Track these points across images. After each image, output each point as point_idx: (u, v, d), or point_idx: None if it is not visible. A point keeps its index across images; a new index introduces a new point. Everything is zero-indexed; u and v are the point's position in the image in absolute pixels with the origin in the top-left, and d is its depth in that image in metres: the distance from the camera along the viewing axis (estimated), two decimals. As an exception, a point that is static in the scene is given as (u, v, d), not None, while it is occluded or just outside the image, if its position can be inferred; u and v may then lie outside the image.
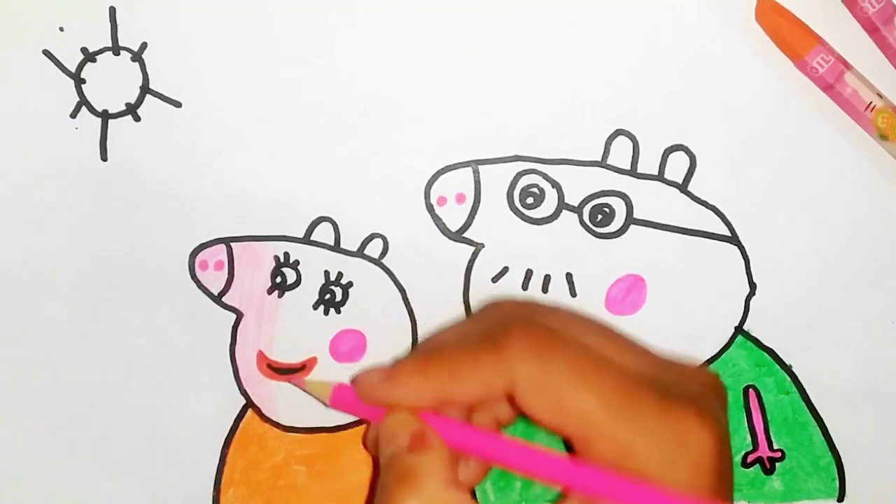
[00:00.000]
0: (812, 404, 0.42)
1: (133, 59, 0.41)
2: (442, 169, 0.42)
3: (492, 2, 0.41)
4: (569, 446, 0.33)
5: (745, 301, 0.42)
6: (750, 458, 0.42)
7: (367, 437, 0.36)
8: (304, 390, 0.38)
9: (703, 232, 0.42)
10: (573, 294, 0.42)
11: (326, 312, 0.42)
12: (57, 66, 0.41)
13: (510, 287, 0.42)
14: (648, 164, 0.42)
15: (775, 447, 0.42)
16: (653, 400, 0.32)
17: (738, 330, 0.42)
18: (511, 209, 0.42)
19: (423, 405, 0.33)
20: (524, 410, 0.32)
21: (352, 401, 0.36)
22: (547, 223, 0.42)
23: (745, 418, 0.42)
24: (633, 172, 0.42)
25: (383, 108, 0.41)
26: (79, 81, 0.41)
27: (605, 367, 0.32)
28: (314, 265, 0.42)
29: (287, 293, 0.42)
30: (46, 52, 0.41)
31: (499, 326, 0.33)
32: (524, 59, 0.42)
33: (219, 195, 0.41)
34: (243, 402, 0.42)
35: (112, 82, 0.41)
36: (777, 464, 0.42)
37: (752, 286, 0.42)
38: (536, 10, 0.41)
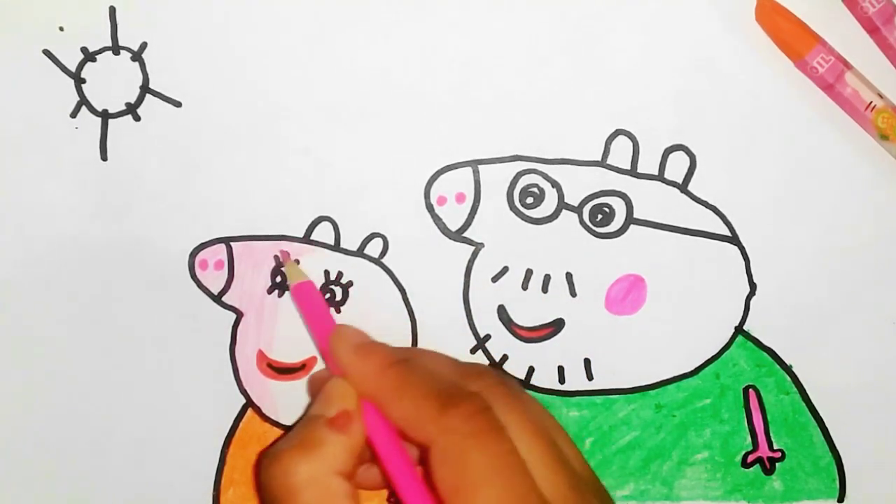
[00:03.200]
0: (812, 404, 0.42)
1: (133, 59, 0.41)
2: (442, 169, 0.42)
3: (492, 2, 0.41)
4: None
5: (745, 301, 0.42)
6: (750, 459, 0.42)
7: (311, 383, 0.38)
8: (282, 268, 0.40)
9: (703, 232, 0.42)
10: (573, 294, 0.42)
11: (326, 312, 0.42)
12: (57, 65, 0.41)
13: (510, 287, 0.42)
14: (648, 164, 0.42)
15: (775, 447, 0.42)
16: None
17: (738, 330, 0.42)
18: (511, 209, 0.42)
19: (363, 396, 0.34)
20: (427, 467, 0.32)
21: (308, 301, 0.37)
22: (547, 223, 0.42)
23: (746, 418, 0.42)
24: (633, 172, 0.42)
25: (383, 108, 0.42)
26: (79, 81, 0.41)
27: (523, 488, 0.32)
28: (314, 265, 0.42)
29: (287, 293, 0.41)
30: (46, 52, 0.41)
31: (461, 391, 0.33)
32: (524, 59, 0.42)
33: (219, 195, 0.41)
34: (243, 401, 0.42)
35: (112, 82, 0.41)
36: (777, 464, 0.42)
37: (752, 286, 0.42)
38: (536, 10, 0.41)
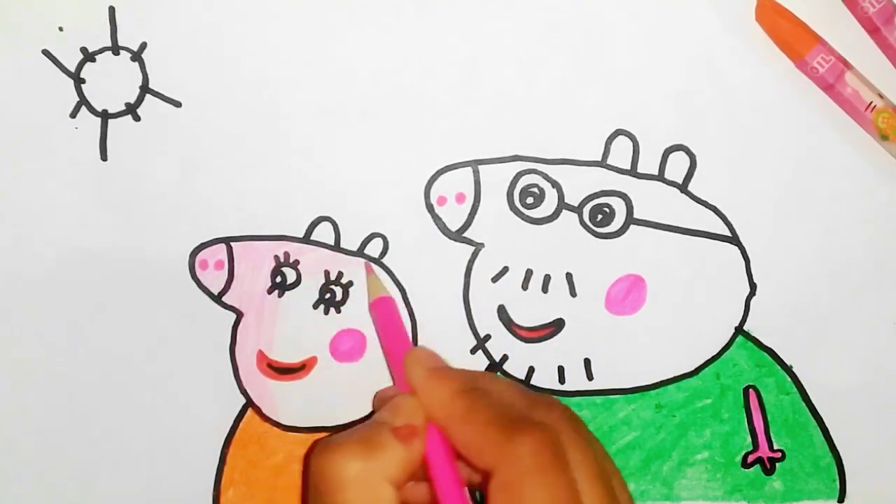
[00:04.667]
0: (812, 405, 0.42)
1: (133, 59, 0.41)
2: (442, 169, 0.42)
3: (492, 2, 0.41)
4: None
5: (745, 301, 0.42)
6: (750, 459, 0.42)
7: (378, 398, 0.38)
8: (367, 280, 0.40)
9: (703, 232, 0.42)
10: (573, 294, 0.42)
11: (326, 312, 0.42)
12: (57, 66, 0.41)
13: (510, 287, 0.42)
14: (648, 164, 0.42)
15: (775, 447, 0.42)
16: None
17: (739, 330, 0.42)
18: (511, 209, 0.42)
19: (432, 419, 0.34)
20: (486, 493, 0.32)
21: (386, 317, 0.38)
22: (547, 223, 0.42)
23: (746, 419, 0.42)
24: (633, 172, 0.42)
25: (383, 108, 0.42)
26: (79, 81, 0.41)
27: None
28: (314, 265, 0.42)
29: (287, 293, 0.42)
30: (46, 52, 0.41)
31: (530, 421, 0.33)
32: (524, 59, 0.42)
33: (219, 195, 0.41)
34: (243, 401, 0.42)
35: (112, 82, 0.41)
36: (777, 464, 0.42)
37: (752, 286, 0.42)
38: (536, 10, 0.42)
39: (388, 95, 0.42)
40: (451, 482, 0.33)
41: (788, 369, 0.42)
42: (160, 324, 0.41)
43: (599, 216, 0.42)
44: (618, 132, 0.42)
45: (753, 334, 0.42)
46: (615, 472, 0.35)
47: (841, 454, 0.42)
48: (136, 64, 0.41)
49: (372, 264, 0.41)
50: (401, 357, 0.37)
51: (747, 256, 0.42)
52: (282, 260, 0.41)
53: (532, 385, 0.42)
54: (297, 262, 0.42)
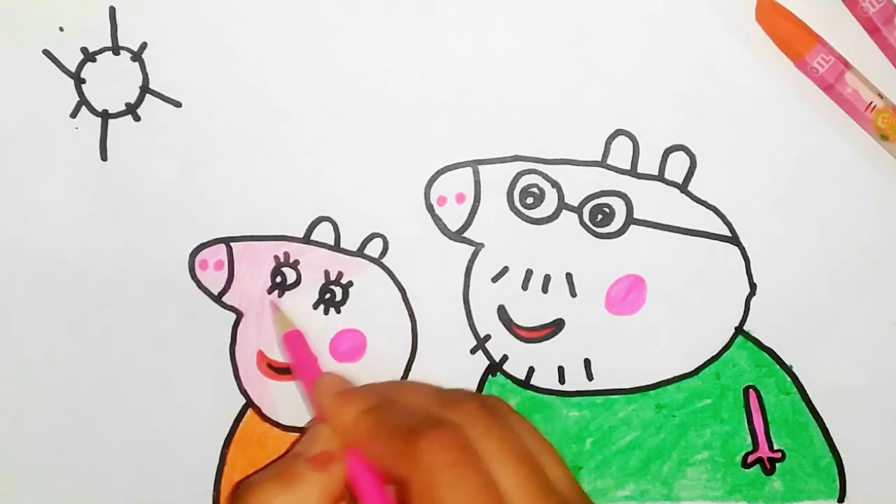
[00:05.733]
0: (812, 405, 0.42)
1: (133, 59, 0.41)
2: (442, 169, 0.42)
3: (492, 2, 0.41)
4: None
5: (745, 301, 0.42)
6: (750, 459, 0.42)
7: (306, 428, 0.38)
8: (273, 317, 0.40)
9: (703, 232, 0.42)
10: (573, 294, 0.42)
11: (326, 312, 0.42)
12: (57, 66, 0.41)
13: (510, 287, 0.42)
14: (648, 164, 0.42)
15: (775, 448, 0.42)
16: None
17: (739, 330, 0.42)
18: (511, 209, 0.42)
19: (344, 442, 0.35)
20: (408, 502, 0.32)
21: (296, 350, 0.39)
22: (547, 223, 0.42)
23: (746, 419, 0.42)
24: (633, 172, 0.42)
25: (383, 108, 0.42)
26: (79, 81, 0.41)
27: None
28: (314, 265, 0.42)
29: (287, 293, 0.42)
30: (46, 52, 0.41)
31: (433, 422, 0.33)
32: (524, 58, 0.42)
33: (219, 195, 0.41)
34: (243, 401, 0.42)
35: (112, 82, 0.41)
36: (777, 464, 0.42)
37: (752, 286, 0.42)
38: (536, 10, 0.41)
39: (388, 95, 0.42)
40: (376, 501, 0.34)
41: (788, 369, 0.42)
42: (160, 324, 0.41)
43: (599, 216, 0.42)
44: (618, 132, 0.42)
45: (753, 334, 0.42)
46: (546, 451, 0.35)
47: (841, 454, 0.42)
48: (136, 64, 0.41)
49: (274, 301, 0.41)
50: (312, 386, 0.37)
51: (747, 256, 0.42)
52: (282, 260, 0.41)
53: (532, 385, 0.42)
54: (297, 262, 0.42)
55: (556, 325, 0.42)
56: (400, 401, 0.35)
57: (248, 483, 0.34)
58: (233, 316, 0.42)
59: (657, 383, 0.42)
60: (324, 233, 0.42)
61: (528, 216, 0.42)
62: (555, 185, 0.42)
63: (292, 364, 0.40)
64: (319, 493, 0.34)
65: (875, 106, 0.41)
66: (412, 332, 0.42)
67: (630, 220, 0.42)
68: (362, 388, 0.38)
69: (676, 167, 0.42)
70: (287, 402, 0.42)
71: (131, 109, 0.41)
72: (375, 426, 0.34)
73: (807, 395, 0.42)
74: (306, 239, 0.42)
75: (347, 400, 0.36)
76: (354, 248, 0.42)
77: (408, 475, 0.32)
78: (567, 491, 0.34)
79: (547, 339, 0.42)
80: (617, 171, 0.42)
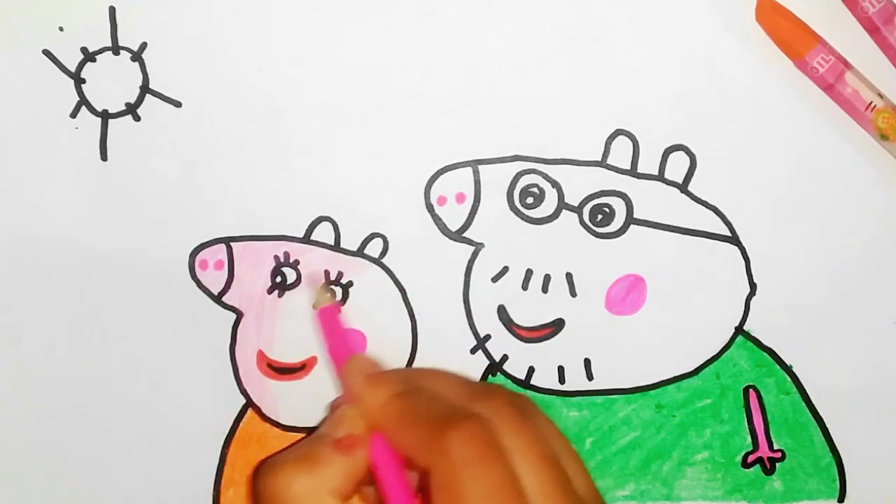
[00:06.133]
0: (812, 404, 0.42)
1: (133, 59, 0.41)
2: (442, 169, 0.42)
3: (492, 2, 0.41)
4: None
5: (745, 301, 0.42)
6: (750, 459, 0.42)
7: (331, 407, 0.38)
8: (313, 291, 0.40)
9: (703, 232, 0.42)
10: (573, 294, 0.42)
11: (326, 312, 0.42)
12: (57, 66, 0.41)
13: (510, 287, 0.42)
14: (648, 164, 0.42)
15: (775, 447, 0.42)
16: None
17: (739, 330, 0.42)
18: (511, 209, 0.42)
19: (371, 425, 0.34)
20: (427, 495, 0.32)
21: (330, 326, 0.38)
22: (547, 223, 0.42)
23: (746, 419, 0.42)
24: (633, 172, 0.42)
25: (383, 108, 0.42)
26: (79, 81, 0.41)
27: None
28: (314, 265, 0.42)
29: (287, 293, 0.42)
30: (46, 52, 0.41)
31: (462, 413, 0.33)
32: (524, 58, 0.42)
33: (219, 195, 0.41)
34: (243, 401, 0.42)
35: (112, 82, 0.41)
36: (777, 464, 0.42)
37: (752, 286, 0.42)
38: (537, 10, 0.41)
39: (388, 95, 0.41)
40: (397, 488, 0.34)
41: (788, 369, 0.42)
42: (160, 324, 0.41)
43: (599, 216, 0.42)
44: (618, 132, 0.42)
45: (753, 334, 0.42)
46: (569, 454, 0.35)
47: (841, 454, 0.42)
48: (136, 64, 0.41)
49: (314, 274, 0.41)
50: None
51: (747, 256, 0.42)
52: (282, 260, 0.41)
53: (532, 385, 0.42)
54: (297, 262, 0.42)
55: (556, 325, 0.42)
56: (429, 389, 0.35)
57: (271, 462, 0.34)
58: (233, 316, 0.42)
59: (657, 383, 0.42)
60: (324, 233, 0.42)
61: (528, 216, 0.42)
62: (555, 185, 0.42)
63: (325, 341, 0.40)
64: (342, 476, 0.33)
65: (875, 106, 0.41)
66: (412, 332, 0.42)
67: (630, 220, 0.42)
68: (393, 372, 0.37)
69: (676, 167, 0.42)
70: (287, 402, 0.42)
71: (131, 109, 0.41)
72: (403, 412, 0.34)
73: (807, 395, 0.42)
74: (306, 239, 0.42)
75: (377, 383, 0.35)
76: (354, 248, 0.42)
77: (431, 465, 0.31)
78: (587, 495, 0.34)
79: (547, 339, 0.42)
80: (617, 171, 0.42)
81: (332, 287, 0.41)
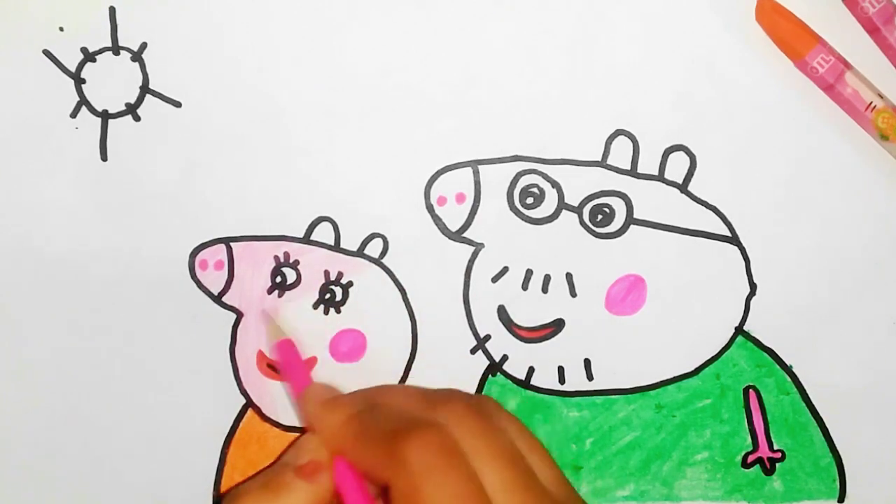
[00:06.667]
0: (812, 405, 0.42)
1: (133, 59, 0.41)
2: (442, 169, 0.42)
3: (492, 2, 0.41)
4: None
5: (745, 301, 0.42)
6: (750, 459, 0.42)
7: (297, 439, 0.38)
8: (266, 326, 0.41)
9: (703, 232, 0.42)
10: (573, 294, 0.42)
11: (326, 312, 0.42)
12: (57, 66, 0.41)
13: (510, 287, 0.42)
14: (648, 164, 0.42)
15: (775, 448, 0.42)
16: None
17: (739, 330, 0.42)
18: (511, 209, 0.42)
19: (331, 450, 0.35)
20: None
21: (287, 359, 0.39)
22: (547, 223, 0.42)
23: (746, 419, 0.42)
24: (633, 172, 0.42)
25: (383, 108, 0.42)
26: (79, 81, 0.41)
27: None
28: (314, 265, 0.42)
29: (287, 293, 0.42)
30: (46, 52, 0.41)
31: (416, 423, 0.32)
32: (524, 58, 0.42)
33: (219, 195, 0.41)
34: (243, 401, 0.42)
35: (112, 82, 0.41)
36: (777, 464, 0.42)
37: (752, 286, 0.42)
38: (537, 10, 0.41)
39: (387, 95, 0.42)
40: None
41: (788, 369, 0.42)
42: (160, 324, 0.41)
43: (599, 216, 0.42)
44: (618, 132, 0.42)
45: (753, 334, 0.42)
46: (535, 451, 0.35)
47: (841, 454, 0.42)
48: (136, 64, 0.41)
49: (267, 310, 0.41)
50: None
51: (747, 256, 0.42)
52: (282, 260, 0.41)
53: (532, 385, 0.42)
54: (297, 262, 0.42)
55: (556, 325, 0.42)
56: (386, 404, 0.35)
57: (236, 492, 0.34)
58: (233, 316, 0.42)
59: (657, 383, 0.42)
60: (324, 233, 0.42)
61: (528, 216, 0.42)
62: (555, 185, 0.42)
63: (283, 373, 0.40)
64: (306, 502, 0.34)
65: (875, 106, 0.41)
66: (412, 332, 0.42)
67: (630, 220, 0.42)
68: (349, 395, 0.37)
69: (676, 167, 0.42)
70: (287, 402, 0.42)
71: (131, 109, 0.41)
72: (360, 431, 0.34)
73: (807, 395, 0.42)
74: (306, 239, 0.42)
75: (333, 407, 0.35)
76: (354, 248, 0.42)
77: (391, 477, 0.31)
78: (557, 491, 0.34)
79: (547, 339, 0.42)
80: (617, 171, 0.42)
81: (331, 308, 0.41)
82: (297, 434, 0.42)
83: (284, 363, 0.39)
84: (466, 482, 0.31)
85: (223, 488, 0.42)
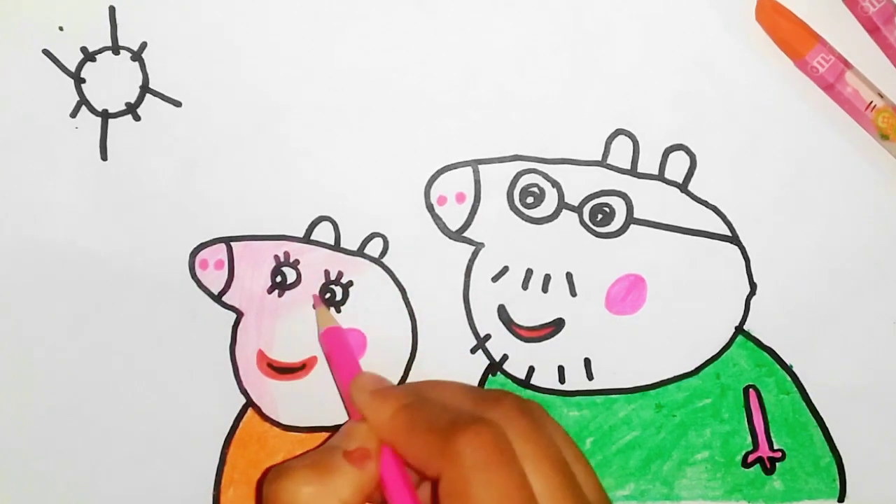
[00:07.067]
0: (812, 404, 0.42)
1: (133, 59, 0.41)
2: (442, 169, 0.42)
3: (492, 2, 0.41)
4: None
5: (746, 301, 0.42)
6: (750, 459, 0.42)
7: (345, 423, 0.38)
8: (316, 312, 0.41)
9: (703, 232, 0.42)
10: (573, 294, 0.42)
11: (326, 312, 0.42)
12: (57, 65, 0.41)
13: (510, 287, 0.42)
14: (648, 164, 0.42)
15: (776, 447, 0.42)
16: None
17: (739, 330, 0.42)
18: (511, 209, 0.42)
19: (381, 439, 0.35)
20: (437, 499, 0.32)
21: (335, 347, 0.39)
22: (547, 223, 0.42)
23: (746, 418, 0.42)
24: (633, 172, 0.42)
25: (383, 108, 0.42)
26: (79, 81, 0.41)
27: None
28: (314, 265, 0.42)
29: (287, 293, 0.42)
30: (46, 52, 0.41)
31: (470, 419, 0.32)
32: (524, 58, 0.42)
33: (219, 195, 0.41)
34: (243, 401, 0.42)
35: (112, 82, 0.41)
36: (777, 464, 0.42)
37: (753, 286, 0.42)
38: (537, 10, 0.42)
39: (388, 95, 0.42)
40: (404, 499, 0.34)
41: (788, 369, 0.42)
42: (160, 324, 0.41)
43: (599, 216, 0.42)
44: (618, 132, 0.42)
45: (753, 334, 0.42)
46: (579, 460, 0.35)
47: (841, 454, 0.42)
48: (136, 64, 0.41)
49: (318, 297, 0.41)
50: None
51: (747, 256, 0.42)
52: (282, 260, 0.41)
53: (532, 385, 0.42)
54: (297, 262, 0.42)
55: (556, 325, 0.42)
56: (436, 398, 0.35)
57: (282, 468, 0.34)
58: (233, 316, 0.42)
59: (657, 383, 0.42)
60: (324, 233, 0.42)
61: (528, 216, 0.42)
62: (555, 184, 0.42)
63: (330, 361, 0.40)
64: (352, 487, 0.33)
65: (875, 106, 0.41)
66: (412, 332, 0.42)
67: (630, 219, 0.42)
68: (398, 387, 0.37)
69: (676, 167, 0.42)
70: (287, 402, 0.42)
71: (131, 109, 0.41)
72: (411, 423, 0.34)
73: (807, 394, 0.42)
74: (306, 239, 0.42)
75: (384, 398, 0.35)
76: (354, 248, 0.42)
77: (441, 471, 0.31)
78: (597, 501, 0.34)
79: (547, 338, 0.42)
80: (617, 171, 0.42)
81: (331, 307, 0.41)
82: (297, 433, 0.42)
83: (333, 351, 0.39)
84: (516, 483, 0.31)
85: (223, 488, 0.42)
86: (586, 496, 0.33)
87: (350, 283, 0.42)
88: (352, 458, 0.34)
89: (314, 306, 0.41)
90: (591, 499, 0.33)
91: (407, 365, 0.42)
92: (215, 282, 0.41)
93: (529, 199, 0.42)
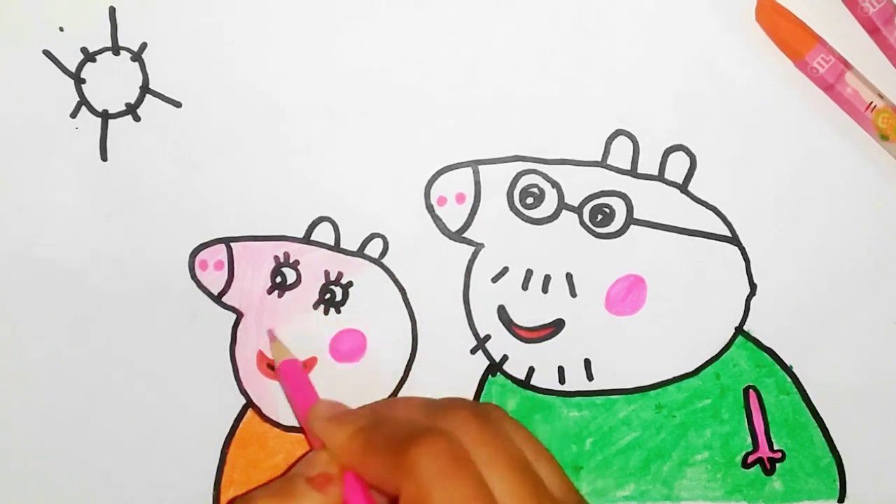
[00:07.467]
0: (812, 405, 0.42)
1: (133, 59, 0.41)
2: (442, 169, 0.42)
3: (492, 2, 0.41)
4: None
5: (746, 301, 0.42)
6: (750, 459, 0.42)
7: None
8: (270, 346, 0.41)
9: (703, 232, 0.42)
10: (573, 294, 0.42)
11: (326, 312, 0.42)
12: (57, 66, 0.41)
13: (510, 287, 0.42)
14: (648, 164, 0.42)
15: (776, 448, 0.42)
16: None
17: (739, 330, 0.42)
18: (511, 209, 0.42)
19: (341, 465, 0.35)
20: None
21: (292, 379, 0.39)
22: (547, 223, 0.42)
23: (746, 419, 0.42)
24: (633, 172, 0.42)
25: (383, 108, 0.42)
26: (79, 81, 0.41)
27: None
28: (314, 265, 0.42)
29: (287, 293, 0.42)
30: (46, 52, 0.41)
31: (423, 431, 0.32)
32: (524, 58, 0.42)
33: (219, 195, 0.41)
34: (243, 401, 0.42)
35: (112, 82, 0.41)
36: (777, 464, 0.42)
37: (752, 286, 0.42)
38: (537, 9, 0.42)
39: (387, 95, 0.42)
40: None
41: (788, 369, 0.42)
42: (160, 324, 0.41)
43: (599, 216, 0.42)
44: (618, 132, 0.42)
45: (753, 334, 0.42)
46: (542, 458, 0.35)
47: (841, 454, 0.42)
48: (136, 64, 0.41)
49: (272, 332, 0.41)
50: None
51: (747, 256, 0.42)
52: (282, 260, 0.41)
53: (532, 385, 0.42)
54: (297, 262, 0.42)
55: (556, 325, 0.42)
56: (392, 416, 0.35)
57: (247, 497, 0.34)
58: (233, 316, 0.42)
59: (657, 383, 0.42)
60: (324, 233, 0.42)
61: (528, 216, 0.42)
62: (555, 185, 0.42)
63: (288, 393, 0.40)
64: None
65: (875, 106, 0.41)
66: (412, 332, 0.42)
67: (630, 220, 0.42)
68: (355, 409, 0.37)
69: (676, 167, 0.42)
70: (287, 402, 0.42)
71: (131, 109, 0.41)
72: (368, 443, 0.34)
73: (807, 395, 0.42)
74: (306, 239, 0.42)
75: (340, 422, 0.36)
76: (354, 248, 0.42)
77: (400, 486, 0.31)
78: (564, 497, 0.34)
79: (547, 339, 0.42)
80: (617, 171, 0.42)
81: (332, 308, 0.41)
82: (297, 433, 0.42)
83: (290, 383, 0.40)
84: (475, 488, 0.31)
85: (223, 488, 0.42)
86: (550, 492, 0.33)
87: (350, 284, 0.42)
88: (314, 484, 0.34)
89: (270, 341, 0.41)
90: (557, 495, 0.33)
91: (407, 365, 0.42)
92: (215, 282, 0.41)
93: (529, 200, 0.42)
